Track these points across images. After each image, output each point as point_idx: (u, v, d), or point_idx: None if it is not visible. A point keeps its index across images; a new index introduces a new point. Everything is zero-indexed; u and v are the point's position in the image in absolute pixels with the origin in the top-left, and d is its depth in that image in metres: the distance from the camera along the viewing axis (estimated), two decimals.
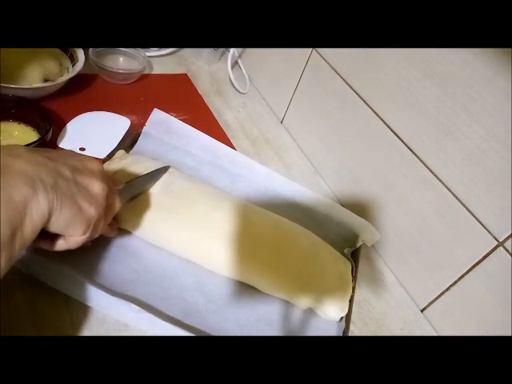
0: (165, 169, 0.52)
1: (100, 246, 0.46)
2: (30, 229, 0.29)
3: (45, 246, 0.37)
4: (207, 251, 0.48)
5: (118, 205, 0.41)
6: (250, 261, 0.48)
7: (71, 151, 0.40)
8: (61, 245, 0.37)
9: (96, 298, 0.41)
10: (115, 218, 0.48)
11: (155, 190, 0.50)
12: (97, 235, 0.39)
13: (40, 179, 0.30)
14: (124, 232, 0.49)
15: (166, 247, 0.49)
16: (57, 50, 0.67)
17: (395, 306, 0.57)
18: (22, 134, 0.55)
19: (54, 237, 0.36)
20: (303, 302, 0.49)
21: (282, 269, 0.49)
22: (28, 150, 0.32)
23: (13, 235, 0.28)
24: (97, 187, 0.36)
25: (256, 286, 0.49)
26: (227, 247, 0.48)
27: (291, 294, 0.48)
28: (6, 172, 0.29)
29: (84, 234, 0.35)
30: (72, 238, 0.36)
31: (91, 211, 0.35)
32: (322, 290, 0.49)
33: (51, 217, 0.31)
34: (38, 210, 0.29)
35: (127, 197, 0.46)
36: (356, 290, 0.52)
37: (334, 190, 0.70)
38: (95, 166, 0.38)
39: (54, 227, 0.32)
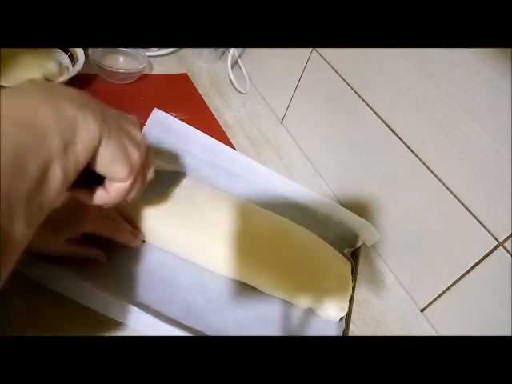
0: (183, 175, 0.53)
1: (98, 247, 0.46)
2: (81, 149, 0.28)
3: (83, 196, 0.35)
4: (207, 251, 0.48)
5: (151, 174, 0.39)
6: (249, 261, 0.48)
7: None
8: (101, 196, 0.35)
9: (95, 299, 0.41)
10: (138, 229, 0.48)
11: (154, 191, 0.50)
12: (134, 195, 0.37)
13: (89, 107, 0.29)
14: None
15: (165, 248, 0.49)
16: (57, 50, 0.67)
17: (395, 306, 0.57)
18: None
19: (93, 187, 0.35)
20: (303, 302, 0.49)
21: (281, 269, 0.49)
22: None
23: (65, 149, 0.27)
24: (139, 135, 0.35)
25: (256, 286, 0.49)
26: (227, 247, 0.48)
27: (291, 294, 0.48)
28: (56, 95, 0.28)
29: (127, 178, 0.34)
30: (114, 186, 0.34)
31: (135, 154, 0.34)
32: (321, 289, 0.49)
33: (100, 146, 0.30)
34: (88, 131, 0.29)
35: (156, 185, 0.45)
36: (356, 290, 0.52)
37: (333, 190, 0.70)
38: (135, 120, 0.37)
39: (99, 161, 0.31)
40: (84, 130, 0.28)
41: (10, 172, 0.24)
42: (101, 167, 0.32)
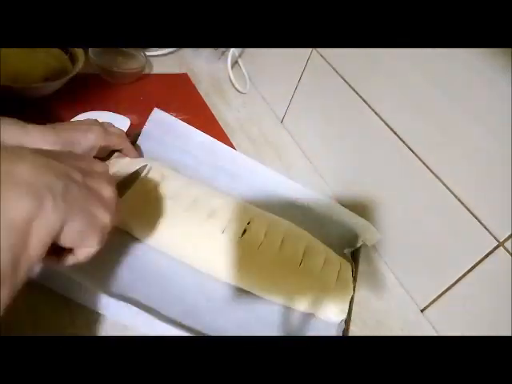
0: (143, 167, 0.52)
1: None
2: (37, 249, 0.26)
3: (50, 263, 0.33)
4: (205, 256, 0.48)
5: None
6: (247, 267, 0.48)
7: (74, 153, 0.36)
8: (70, 259, 0.32)
9: (95, 299, 0.41)
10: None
11: (154, 192, 0.50)
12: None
13: (48, 187, 0.26)
14: (123, 234, 0.49)
15: (164, 250, 0.49)
16: (57, 50, 0.67)
17: (395, 307, 0.57)
18: None
19: (61, 251, 0.32)
20: (303, 307, 0.48)
21: (280, 275, 0.48)
22: (33, 151, 0.28)
23: (14, 265, 0.25)
24: (108, 191, 0.33)
25: (254, 292, 0.48)
26: (224, 253, 0.48)
27: (290, 299, 0.48)
28: (6, 182, 0.25)
29: (98, 244, 0.32)
30: (82, 250, 0.32)
31: (105, 219, 0.31)
32: (321, 293, 0.48)
33: (63, 229, 0.27)
34: (46, 225, 0.26)
35: None
36: (356, 291, 0.52)
37: (334, 190, 0.70)
38: (103, 168, 0.34)
39: (65, 240, 0.28)
40: (41, 226, 0.26)
41: None
42: (66, 244, 0.29)
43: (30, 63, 0.62)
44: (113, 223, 0.33)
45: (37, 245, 0.26)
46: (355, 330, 0.51)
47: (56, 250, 0.32)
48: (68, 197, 0.28)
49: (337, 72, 0.67)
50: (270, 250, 0.49)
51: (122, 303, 0.40)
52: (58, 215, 0.27)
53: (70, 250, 0.32)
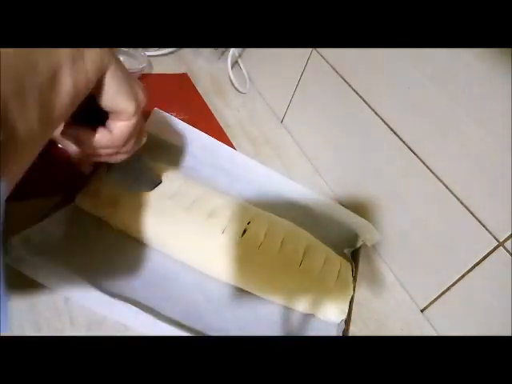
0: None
1: (99, 247, 0.46)
2: (90, 66, 0.29)
3: (85, 135, 0.35)
4: (204, 256, 0.48)
5: (145, 138, 0.41)
6: (247, 267, 0.48)
7: None
8: (103, 135, 0.35)
9: (95, 299, 0.41)
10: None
11: (154, 192, 0.50)
12: (129, 149, 0.38)
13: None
14: (123, 234, 0.49)
15: (164, 250, 0.49)
16: None
17: (395, 306, 0.57)
18: None
19: (96, 127, 0.35)
20: (303, 307, 0.48)
21: (280, 275, 0.48)
22: None
23: (74, 60, 0.28)
24: (141, 84, 0.36)
25: (254, 292, 0.48)
26: (224, 253, 0.48)
27: (290, 299, 0.48)
28: None
29: (133, 113, 0.34)
30: (117, 124, 0.34)
31: (140, 94, 0.34)
32: (321, 293, 0.48)
33: (107, 72, 0.30)
34: (96, 52, 0.30)
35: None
36: (356, 290, 0.52)
37: (334, 190, 0.70)
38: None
39: (106, 91, 0.31)
40: (92, 51, 0.30)
41: (23, 63, 0.25)
42: (107, 99, 0.32)
43: None
44: (143, 105, 0.35)
45: (90, 64, 0.30)
46: (355, 330, 0.51)
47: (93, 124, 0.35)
48: (113, 55, 0.32)
49: (337, 72, 0.67)
50: (270, 250, 0.49)
51: (121, 303, 0.40)
52: (106, 54, 0.31)
53: (104, 127, 0.35)
